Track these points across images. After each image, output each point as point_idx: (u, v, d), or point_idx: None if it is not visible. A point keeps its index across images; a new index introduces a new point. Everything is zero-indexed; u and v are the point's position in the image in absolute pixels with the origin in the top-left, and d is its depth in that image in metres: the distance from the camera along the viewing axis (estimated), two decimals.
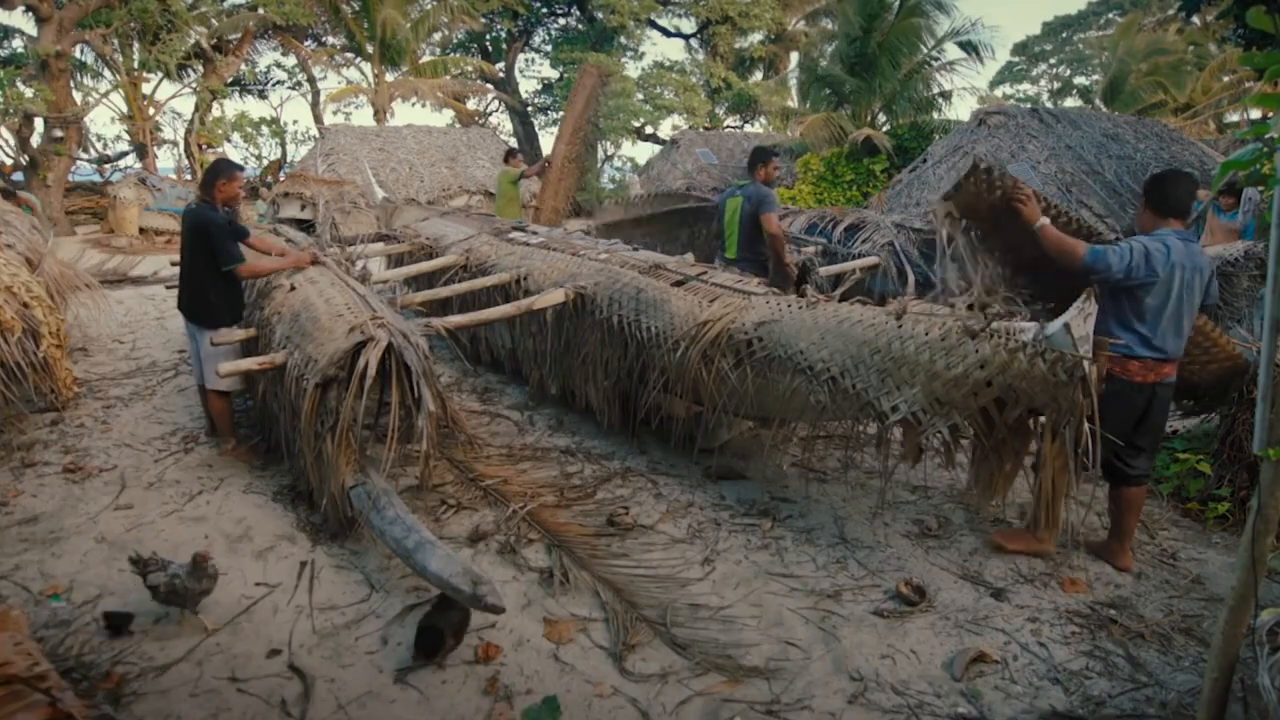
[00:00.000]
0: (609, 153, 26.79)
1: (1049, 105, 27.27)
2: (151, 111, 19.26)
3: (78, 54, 17.93)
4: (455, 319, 4.71)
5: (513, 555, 3.50)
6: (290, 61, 24.12)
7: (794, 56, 26.64)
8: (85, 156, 18.74)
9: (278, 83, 24.54)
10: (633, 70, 25.72)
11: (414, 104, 23.14)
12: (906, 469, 4.50)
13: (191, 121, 19.51)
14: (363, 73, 23.52)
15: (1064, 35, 37.22)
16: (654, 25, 27.29)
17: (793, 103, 21.75)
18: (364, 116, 25.31)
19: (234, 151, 20.21)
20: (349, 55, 23.28)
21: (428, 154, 17.88)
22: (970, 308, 3.16)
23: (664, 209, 8.50)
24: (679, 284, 4.50)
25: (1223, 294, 5.81)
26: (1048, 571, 3.44)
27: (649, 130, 25.76)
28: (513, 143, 24.91)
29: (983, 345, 2.95)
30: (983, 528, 3.85)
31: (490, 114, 28.89)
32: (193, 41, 18.35)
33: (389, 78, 21.74)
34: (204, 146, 19.12)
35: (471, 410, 5.41)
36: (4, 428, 4.80)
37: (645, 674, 2.74)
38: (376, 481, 3.40)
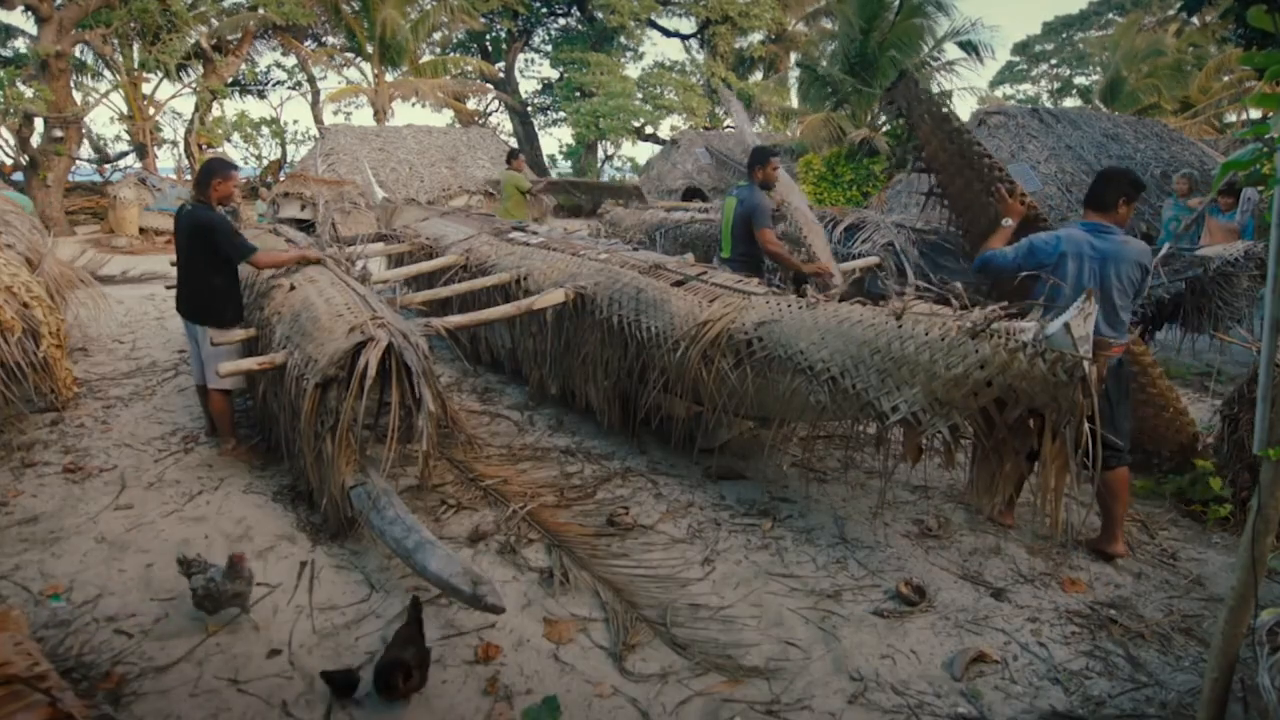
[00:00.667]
0: (609, 153, 26.83)
1: (1049, 105, 27.28)
2: (151, 111, 19.26)
3: (78, 54, 17.93)
4: (455, 319, 4.71)
5: (513, 555, 3.50)
6: (290, 61, 24.15)
7: (794, 56, 26.67)
8: (84, 157, 18.74)
9: (278, 83, 24.57)
10: (633, 70, 25.75)
11: (414, 104, 23.16)
12: (906, 469, 4.50)
13: (191, 121, 19.51)
14: (363, 73, 23.55)
15: (1064, 35, 37.22)
16: (654, 25, 27.31)
17: (793, 103, 21.76)
18: (364, 116, 25.36)
19: (234, 151, 20.24)
20: (349, 55, 23.29)
21: (428, 154, 17.89)
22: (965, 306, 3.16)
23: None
24: (679, 284, 4.50)
25: (1222, 294, 5.82)
26: (1048, 571, 3.44)
27: (649, 130, 25.77)
28: (513, 143, 24.92)
29: (983, 345, 2.95)
30: (983, 528, 3.85)
31: (490, 114, 28.92)
32: (193, 41, 18.35)
33: (389, 78, 21.75)
34: (204, 146, 19.12)
35: (471, 410, 5.41)
36: (4, 428, 4.80)
37: (645, 674, 2.74)
38: (376, 481, 3.40)
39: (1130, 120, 14.64)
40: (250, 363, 3.95)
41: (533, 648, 2.88)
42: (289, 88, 24.83)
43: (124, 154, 20.55)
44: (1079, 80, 36.05)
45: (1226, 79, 20.26)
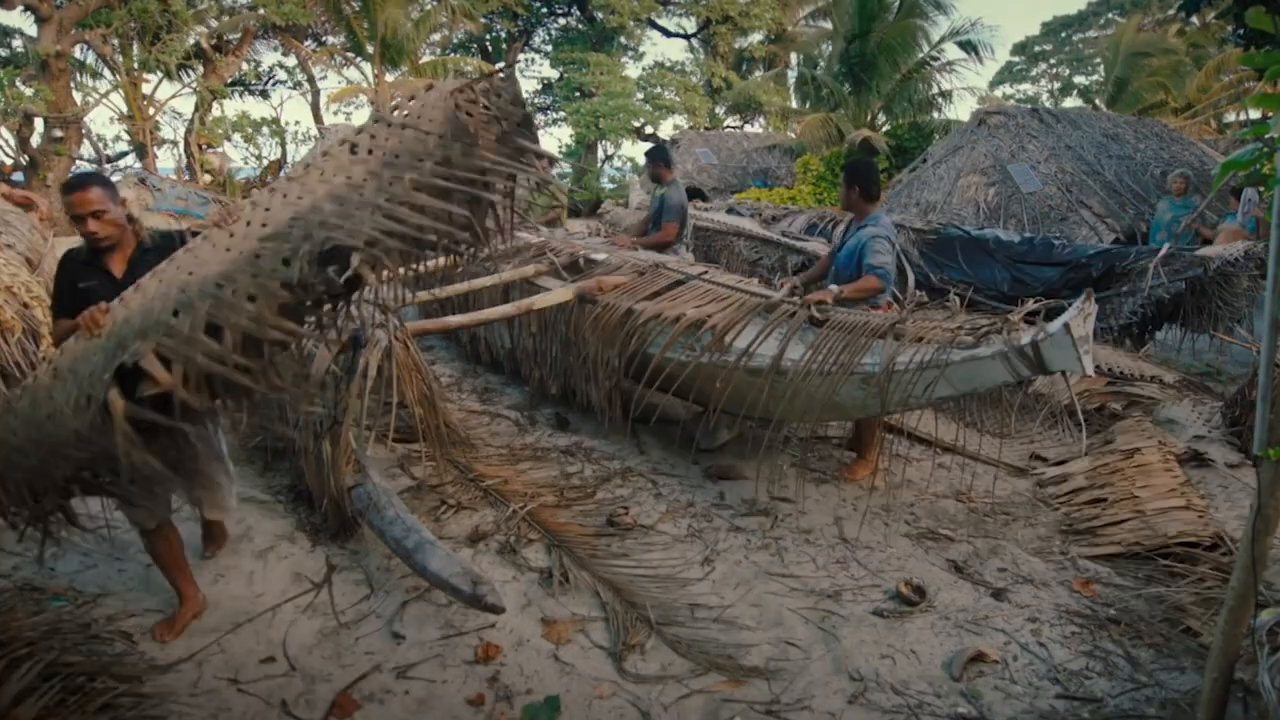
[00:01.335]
0: (609, 153, 26.82)
1: (1049, 105, 27.27)
2: (151, 111, 19.26)
3: (78, 54, 17.94)
4: (455, 319, 4.71)
5: (513, 555, 3.49)
6: (290, 61, 24.14)
7: (794, 56, 26.67)
8: (84, 157, 18.74)
9: (278, 83, 24.56)
10: (633, 70, 25.75)
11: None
12: (906, 469, 4.51)
13: (191, 121, 19.50)
14: (363, 73, 23.54)
15: (1064, 35, 37.24)
16: (654, 25, 27.31)
17: (793, 103, 21.78)
18: (364, 117, 25.28)
19: (234, 151, 20.23)
20: (349, 55, 23.28)
21: None
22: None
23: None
24: (679, 284, 4.50)
25: (1222, 294, 5.82)
26: (1048, 571, 3.44)
27: (649, 130, 25.76)
28: None
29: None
30: (984, 528, 3.85)
31: None
32: (193, 41, 18.34)
33: (389, 78, 21.74)
34: (204, 146, 19.12)
35: (471, 410, 5.41)
36: None
37: (645, 674, 2.74)
38: (377, 481, 3.40)
39: (1130, 120, 14.64)
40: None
41: (532, 648, 2.88)
42: (289, 88, 24.87)
43: (124, 154, 20.55)
44: (1079, 80, 36.08)
45: (1226, 79, 20.27)
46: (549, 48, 27.64)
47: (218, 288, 2.03)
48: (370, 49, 21.31)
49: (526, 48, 28.23)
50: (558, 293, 4.78)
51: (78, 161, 18.10)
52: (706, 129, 24.32)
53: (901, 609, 3.14)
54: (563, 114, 24.73)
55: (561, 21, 27.48)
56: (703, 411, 4.53)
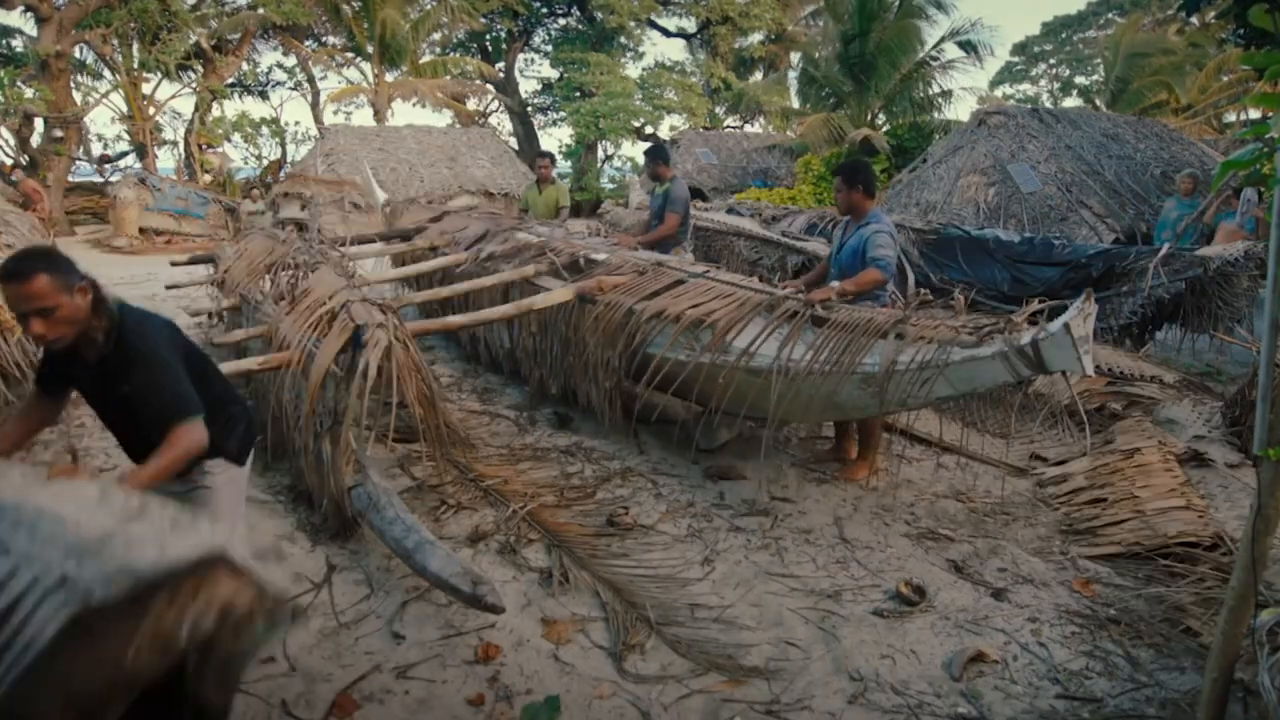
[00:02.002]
0: (609, 153, 26.82)
1: (1049, 105, 27.27)
2: (151, 111, 19.26)
3: (78, 54, 17.94)
4: (455, 319, 4.71)
5: (513, 555, 3.49)
6: (290, 61, 24.16)
7: (794, 56, 26.66)
8: (84, 157, 18.74)
9: (278, 83, 24.58)
10: (633, 70, 25.74)
11: (414, 104, 23.16)
12: (906, 469, 4.51)
13: (191, 121, 19.52)
14: (363, 73, 23.55)
15: (1064, 35, 37.24)
16: (654, 25, 27.29)
17: (793, 103, 21.78)
18: (364, 116, 25.32)
19: (234, 151, 20.22)
20: (349, 55, 23.29)
21: (428, 154, 17.89)
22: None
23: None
24: (679, 283, 4.50)
25: (1222, 294, 5.82)
26: (1048, 571, 3.44)
27: (649, 130, 25.76)
28: (512, 143, 24.92)
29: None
30: (984, 528, 3.85)
31: (490, 114, 28.91)
32: (193, 41, 18.35)
33: (389, 78, 21.74)
34: (204, 146, 19.13)
35: (471, 410, 5.41)
36: None
37: (645, 674, 2.74)
38: (377, 481, 3.40)
39: (1130, 120, 14.65)
40: (250, 363, 3.94)
41: (532, 647, 2.88)
42: (289, 88, 24.87)
43: (124, 154, 20.55)
44: (1079, 80, 36.07)
45: (1226, 79, 20.27)
46: (549, 48, 27.63)
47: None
48: (370, 49, 21.32)
49: (526, 48, 28.22)
50: (558, 292, 4.78)
51: (78, 161, 18.12)
52: (706, 129, 24.32)
53: (901, 609, 3.14)
54: (563, 114, 24.73)
55: (561, 21, 27.47)
56: (703, 411, 4.53)
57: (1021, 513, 4.04)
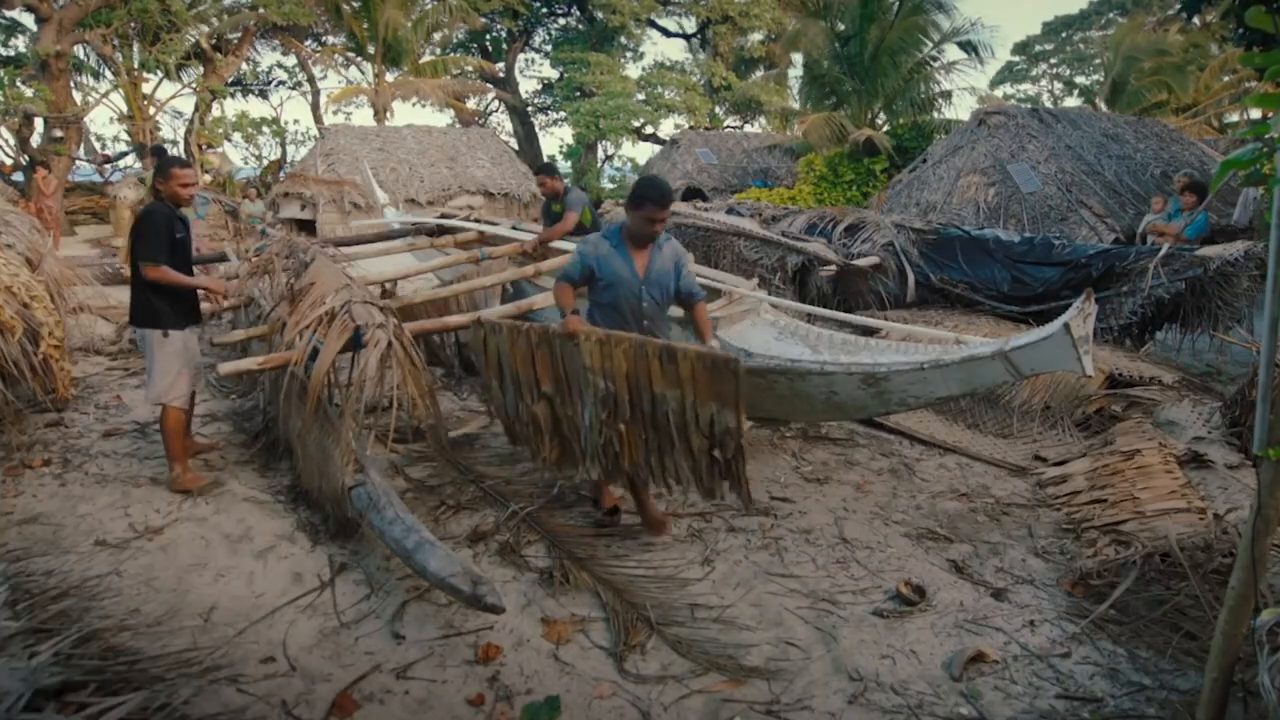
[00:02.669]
0: (609, 153, 26.82)
1: (1049, 105, 27.27)
2: (151, 111, 19.26)
3: (78, 54, 17.93)
4: (455, 319, 4.70)
5: (513, 555, 3.49)
6: (290, 61, 24.15)
7: (794, 56, 26.64)
8: (85, 157, 18.75)
9: (279, 83, 24.57)
10: (633, 70, 25.75)
11: (414, 104, 23.16)
12: (906, 469, 4.51)
13: (191, 121, 19.51)
14: (363, 73, 23.54)
15: (1064, 35, 37.20)
16: (654, 25, 27.30)
17: (793, 103, 21.78)
18: (364, 116, 25.34)
19: (234, 151, 20.23)
20: (350, 55, 23.29)
21: (428, 154, 17.87)
22: None
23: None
24: None
25: (1222, 294, 5.81)
26: (1048, 571, 3.44)
27: (649, 130, 25.76)
28: (512, 143, 24.91)
29: None
30: (984, 528, 3.85)
31: (490, 114, 28.91)
32: (193, 41, 18.35)
33: (389, 78, 21.74)
34: (204, 146, 19.12)
35: (472, 410, 5.41)
36: (4, 428, 4.80)
37: (645, 674, 2.74)
38: (377, 481, 3.40)
39: (1130, 120, 14.64)
40: (250, 362, 3.95)
41: (532, 648, 2.88)
42: (289, 88, 24.87)
43: (124, 154, 20.55)
44: (1080, 80, 36.05)
45: (1227, 79, 20.27)
46: (549, 48, 27.65)
47: None
48: (370, 49, 21.32)
49: (526, 47, 28.23)
50: None
51: (78, 161, 18.12)
52: (706, 129, 24.31)
53: (901, 609, 3.14)
54: (563, 114, 24.73)
55: (561, 21, 27.49)
56: None
57: (1021, 513, 4.04)
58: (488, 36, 26.63)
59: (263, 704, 2.56)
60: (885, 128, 17.45)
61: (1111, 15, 34.18)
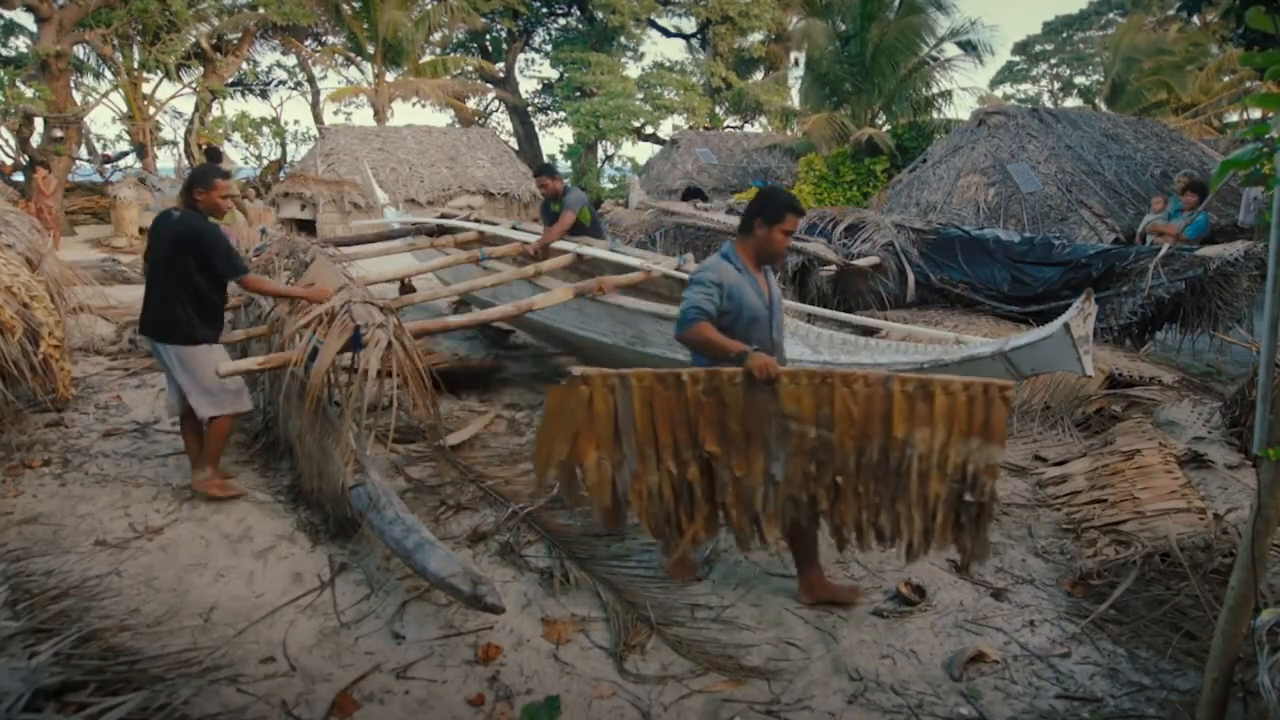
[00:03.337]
0: (609, 153, 26.81)
1: (1049, 105, 27.27)
2: (151, 111, 19.26)
3: (79, 54, 17.93)
4: (455, 319, 4.71)
5: (513, 555, 3.49)
6: (290, 61, 24.15)
7: (794, 56, 26.65)
8: (83, 156, 18.75)
9: (279, 83, 24.57)
10: (633, 70, 25.74)
11: (414, 104, 23.15)
12: None
13: (191, 121, 19.51)
14: (363, 73, 23.53)
15: (1064, 35, 37.20)
16: (654, 25, 27.29)
17: (793, 103, 21.78)
18: (364, 116, 25.33)
19: (234, 151, 20.19)
20: (350, 55, 23.28)
21: (428, 154, 17.87)
22: None
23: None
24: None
25: (1222, 294, 5.82)
26: (1048, 571, 3.44)
27: (649, 130, 25.75)
28: (512, 143, 24.90)
29: None
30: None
31: (490, 114, 28.90)
32: (193, 41, 18.34)
33: (389, 78, 21.74)
34: (204, 146, 19.12)
35: (472, 410, 5.41)
36: (4, 428, 4.80)
37: (645, 674, 2.74)
38: (377, 481, 3.40)
39: (1130, 120, 14.63)
40: (250, 363, 3.95)
41: (532, 648, 2.88)
42: (289, 88, 24.86)
43: (124, 154, 20.55)
44: (1080, 80, 36.06)
45: (1227, 79, 20.26)
46: (549, 48, 27.63)
47: None
48: (370, 49, 21.31)
49: (526, 48, 28.22)
50: (558, 293, 4.78)
51: (78, 161, 18.12)
52: (706, 129, 24.30)
53: (901, 609, 3.14)
54: (563, 114, 24.73)
55: (561, 21, 27.47)
56: None
57: (1022, 513, 4.04)
58: (488, 36, 26.62)
59: (263, 704, 2.56)
60: (885, 127, 17.44)
61: (1111, 15, 34.19)
